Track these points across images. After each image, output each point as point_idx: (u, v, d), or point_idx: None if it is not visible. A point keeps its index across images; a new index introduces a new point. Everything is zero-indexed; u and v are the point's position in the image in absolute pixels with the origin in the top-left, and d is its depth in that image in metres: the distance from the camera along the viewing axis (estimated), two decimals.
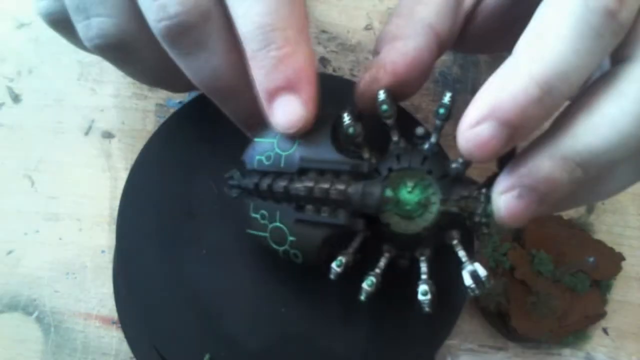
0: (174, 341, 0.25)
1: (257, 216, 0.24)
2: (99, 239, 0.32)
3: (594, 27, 0.16)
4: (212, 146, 0.29)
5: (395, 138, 0.23)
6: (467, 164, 0.21)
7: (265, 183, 0.23)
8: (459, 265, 0.21)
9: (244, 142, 0.25)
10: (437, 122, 0.22)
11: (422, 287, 0.21)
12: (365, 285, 0.22)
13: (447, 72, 0.39)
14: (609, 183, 0.21)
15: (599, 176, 0.19)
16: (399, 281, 0.22)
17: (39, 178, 0.33)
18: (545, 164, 0.18)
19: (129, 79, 0.36)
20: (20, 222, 0.32)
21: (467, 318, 0.32)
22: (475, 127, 0.17)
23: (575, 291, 0.31)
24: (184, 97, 0.36)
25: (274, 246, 0.23)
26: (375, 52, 0.24)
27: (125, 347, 0.30)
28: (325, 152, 0.22)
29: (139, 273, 0.26)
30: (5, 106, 0.34)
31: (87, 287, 0.31)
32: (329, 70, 0.38)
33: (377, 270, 0.22)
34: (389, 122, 0.23)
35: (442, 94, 0.22)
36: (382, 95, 0.22)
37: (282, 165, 0.23)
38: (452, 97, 0.22)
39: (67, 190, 0.33)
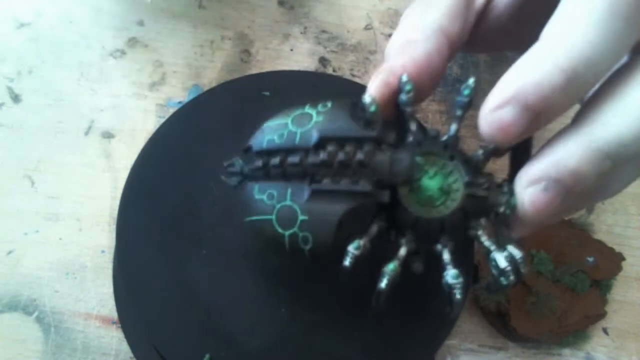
0: (174, 341, 0.25)
1: (263, 197, 0.21)
2: (99, 239, 0.32)
3: (623, 15, 0.16)
4: (212, 146, 0.29)
5: (413, 127, 0.22)
6: (488, 155, 0.21)
7: (276, 159, 0.20)
8: (488, 254, 0.20)
9: (244, 143, 0.25)
10: (458, 111, 0.21)
11: (452, 271, 0.19)
12: (388, 270, 0.19)
13: (447, 72, 0.39)
14: (616, 181, 0.21)
15: (626, 166, 0.19)
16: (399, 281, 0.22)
17: (39, 178, 0.33)
18: (574, 155, 0.18)
19: (129, 79, 0.36)
20: (20, 222, 0.32)
21: (467, 318, 0.32)
22: (497, 110, 0.17)
23: (575, 291, 0.31)
24: (184, 97, 0.36)
25: (280, 230, 0.20)
26: (386, 57, 0.23)
27: (125, 347, 0.30)
28: (345, 125, 0.20)
29: (139, 273, 0.26)
30: (5, 106, 0.34)
31: (87, 287, 0.31)
32: (329, 70, 0.38)
33: (397, 261, 0.20)
34: (409, 110, 0.21)
35: (465, 80, 0.21)
36: (404, 77, 0.21)
37: (297, 141, 0.20)
38: (475, 81, 0.21)
39: (67, 190, 0.33)
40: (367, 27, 0.40)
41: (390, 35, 0.40)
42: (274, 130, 0.21)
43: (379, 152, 0.20)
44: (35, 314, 0.30)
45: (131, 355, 0.30)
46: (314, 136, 0.20)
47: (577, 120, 0.18)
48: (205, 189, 0.28)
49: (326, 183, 0.20)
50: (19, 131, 0.34)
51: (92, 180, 0.33)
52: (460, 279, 0.19)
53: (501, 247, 0.20)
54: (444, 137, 0.21)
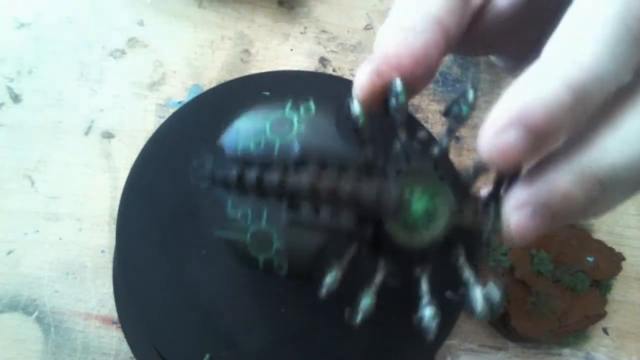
0: (174, 341, 0.25)
1: (237, 215, 0.19)
2: (99, 239, 0.32)
3: (634, 31, 0.16)
4: (212, 145, 0.29)
5: (402, 137, 0.20)
6: (478, 172, 0.19)
7: (252, 174, 0.19)
8: (465, 285, 0.19)
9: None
10: (453, 123, 0.20)
11: (428, 311, 0.18)
12: (363, 305, 0.18)
13: (447, 72, 0.39)
14: (603, 204, 0.20)
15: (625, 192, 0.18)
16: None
17: (39, 178, 0.33)
18: (564, 180, 0.17)
19: (128, 79, 0.36)
20: (20, 222, 0.32)
21: (467, 318, 0.32)
22: (499, 133, 0.16)
23: (575, 291, 0.31)
24: (184, 97, 0.36)
25: (254, 253, 0.19)
26: (378, 42, 0.21)
27: (125, 347, 0.30)
28: (331, 142, 0.19)
29: (139, 273, 0.26)
30: (5, 106, 0.34)
31: (87, 287, 0.31)
32: (329, 70, 0.38)
33: (373, 292, 0.19)
34: (399, 117, 0.20)
35: (465, 93, 0.19)
36: (398, 84, 0.19)
37: (275, 153, 0.19)
38: (475, 96, 0.19)
39: (67, 190, 0.33)
40: (367, 27, 0.40)
41: None
42: (250, 135, 0.20)
43: (364, 182, 0.18)
44: (35, 314, 0.30)
45: (131, 355, 0.30)
46: (295, 151, 0.19)
47: (569, 143, 0.18)
48: (205, 189, 0.28)
49: (305, 209, 0.18)
50: (19, 131, 0.34)
51: (92, 180, 0.33)
52: (437, 320, 0.18)
53: (485, 266, 0.19)
54: (434, 150, 0.20)
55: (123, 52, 0.37)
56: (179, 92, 0.36)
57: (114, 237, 0.31)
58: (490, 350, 0.32)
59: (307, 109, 0.20)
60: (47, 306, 0.30)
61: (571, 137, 0.18)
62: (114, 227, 0.32)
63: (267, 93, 0.31)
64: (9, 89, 0.35)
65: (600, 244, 0.33)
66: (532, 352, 0.32)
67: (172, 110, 0.34)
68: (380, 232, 0.19)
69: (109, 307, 0.30)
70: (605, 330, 0.33)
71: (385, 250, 0.19)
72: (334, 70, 0.38)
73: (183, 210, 0.27)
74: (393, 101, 0.19)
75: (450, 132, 0.20)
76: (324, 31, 0.39)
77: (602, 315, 0.32)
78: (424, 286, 0.19)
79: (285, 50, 0.38)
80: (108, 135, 0.34)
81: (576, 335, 0.32)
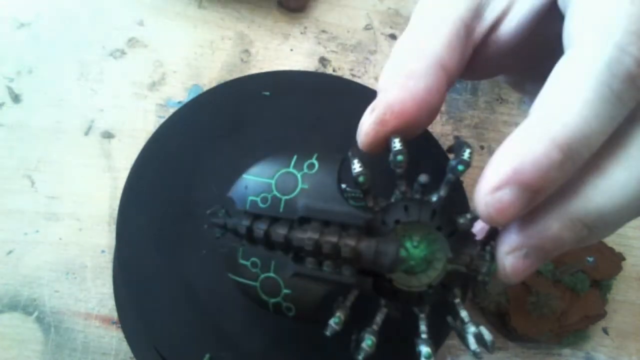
0: (174, 341, 0.25)
1: (247, 264, 0.21)
2: (99, 239, 0.32)
3: (616, 92, 0.17)
4: (212, 146, 0.29)
5: (402, 188, 0.21)
6: (474, 219, 0.20)
7: (260, 228, 0.21)
8: (463, 325, 0.20)
9: (243, 143, 0.25)
10: (450, 175, 0.21)
11: (425, 349, 0.20)
12: (365, 346, 0.20)
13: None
14: (590, 240, 0.21)
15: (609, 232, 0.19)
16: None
17: (39, 178, 0.33)
18: (554, 225, 0.18)
19: (128, 79, 0.36)
20: (20, 222, 0.32)
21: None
22: (495, 192, 0.17)
23: (575, 291, 0.31)
24: (184, 97, 0.36)
25: (264, 297, 0.21)
26: (382, 89, 0.22)
27: (125, 347, 0.30)
28: (332, 201, 0.20)
29: (139, 273, 0.26)
30: (5, 106, 0.34)
31: (87, 287, 0.31)
32: (329, 70, 0.38)
33: (375, 327, 0.20)
34: (399, 171, 0.21)
35: (461, 150, 0.20)
36: (397, 144, 0.20)
37: (281, 210, 0.21)
38: (471, 154, 0.20)
39: (67, 190, 0.33)
40: (367, 27, 0.40)
41: (390, 35, 0.40)
42: (256, 191, 0.21)
43: (364, 241, 0.19)
44: (35, 314, 0.30)
45: (131, 355, 0.30)
46: (299, 210, 0.20)
47: (559, 190, 0.19)
48: (205, 189, 0.28)
49: (310, 263, 0.20)
50: (19, 131, 0.34)
51: (92, 180, 0.33)
52: (431, 359, 0.20)
53: (482, 326, 0.20)
54: (433, 198, 0.21)
55: (123, 52, 0.37)
56: (179, 92, 0.36)
57: (114, 237, 0.31)
58: None
59: (311, 166, 0.21)
60: (47, 306, 0.30)
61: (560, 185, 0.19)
62: (114, 227, 0.32)
63: (267, 93, 0.31)
64: (9, 88, 0.35)
65: (601, 244, 0.33)
66: (532, 352, 0.32)
67: (172, 110, 0.34)
68: (384, 280, 0.20)
69: (109, 307, 0.30)
70: (605, 330, 0.33)
71: (385, 292, 0.21)
72: (334, 70, 0.38)
73: (183, 210, 0.27)
74: (392, 157, 0.20)
75: (448, 182, 0.21)
76: (323, 31, 0.39)
77: (602, 315, 0.32)
78: (422, 326, 0.21)
79: (285, 50, 0.38)
80: (108, 135, 0.34)
81: (576, 335, 0.32)
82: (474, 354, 0.19)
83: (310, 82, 0.33)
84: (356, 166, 0.20)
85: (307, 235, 0.20)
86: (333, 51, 0.39)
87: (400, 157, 0.20)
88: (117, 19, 0.38)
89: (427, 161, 0.28)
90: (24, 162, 0.33)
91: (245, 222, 0.21)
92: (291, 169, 0.21)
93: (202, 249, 0.27)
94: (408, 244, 0.20)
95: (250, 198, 0.21)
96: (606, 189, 0.18)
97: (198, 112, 0.30)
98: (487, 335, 0.19)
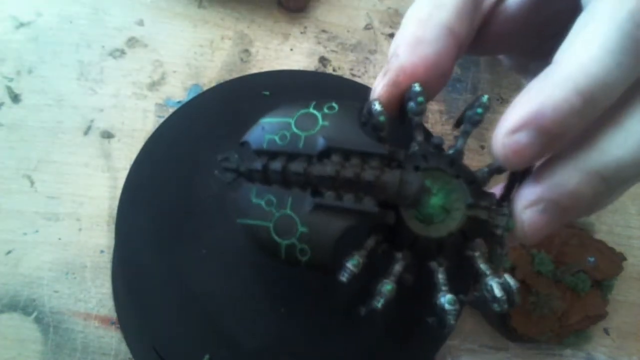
0: (173, 341, 0.25)
1: (262, 202, 0.20)
2: (98, 239, 0.32)
3: (638, 41, 0.17)
4: (211, 145, 0.29)
5: (420, 138, 0.21)
6: (492, 173, 0.20)
7: (277, 164, 0.20)
8: (482, 277, 0.19)
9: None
10: (468, 126, 0.21)
11: (449, 297, 0.19)
12: (384, 291, 0.19)
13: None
14: (607, 198, 0.21)
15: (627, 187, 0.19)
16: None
17: (39, 178, 0.33)
18: (572, 178, 0.18)
19: (128, 79, 0.36)
20: (19, 222, 0.32)
21: (468, 318, 0.32)
22: (512, 134, 0.17)
23: (576, 291, 0.31)
24: (184, 96, 0.36)
25: (277, 239, 0.20)
26: (393, 55, 0.23)
27: (124, 347, 0.30)
28: (353, 135, 0.19)
29: (138, 273, 0.26)
30: (4, 106, 0.34)
31: (87, 287, 0.31)
32: (329, 70, 0.38)
33: (392, 280, 0.19)
34: (417, 119, 0.21)
35: (477, 99, 0.21)
36: (417, 88, 0.20)
37: (300, 146, 0.20)
38: (489, 99, 0.21)
39: (67, 190, 0.33)
40: (367, 27, 0.40)
41: (390, 35, 0.40)
42: (275, 129, 0.20)
43: (387, 171, 0.19)
44: (35, 314, 0.30)
45: (130, 356, 0.29)
46: (320, 144, 0.19)
47: (575, 142, 0.19)
48: (205, 188, 0.28)
49: (329, 196, 0.19)
50: (18, 131, 0.34)
51: (91, 180, 0.33)
52: (457, 306, 0.19)
53: (495, 269, 0.20)
54: (450, 151, 0.21)
55: (123, 52, 0.37)
56: (178, 91, 0.36)
57: (113, 237, 0.31)
58: (491, 351, 0.32)
59: (331, 108, 0.21)
60: (47, 306, 0.30)
61: (577, 136, 0.19)
62: (113, 227, 0.32)
63: (267, 93, 0.31)
64: (9, 88, 0.35)
65: (601, 244, 0.33)
66: (533, 353, 0.32)
67: (171, 110, 0.34)
68: (399, 226, 0.20)
69: (109, 307, 0.30)
70: (606, 331, 0.33)
71: (403, 243, 0.20)
72: (334, 70, 0.38)
73: (183, 209, 0.27)
74: (412, 104, 0.20)
75: (465, 133, 0.21)
76: (324, 31, 0.39)
77: (603, 315, 0.32)
78: (441, 277, 0.20)
79: (285, 50, 0.38)
80: (107, 135, 0.34)
81: (577, 336, 0.32)
82: (498, 302, 0.19)
83: (310, 82, 0.33)
84: (377, 106, 0.20)
85: (327, 167, 0.19)
86: (333, 51, 0.39)
87: (421, 99, 0.20)
88: (116, 18, 0.38)
89: None
90: (24, 162, 0.33)
91: (261, 161, 0.20)
92: (311, 110, 0.21)
93: (202, 248, 0.27)
94: (428, 192, 0.20)
95: (268, 137, 0.20)
96: (623, 140, 0.18)
97: (198, 111, 0.30)
98: (513, 282, 0.19)
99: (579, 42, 0.18)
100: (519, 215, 0.19)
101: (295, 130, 0.20)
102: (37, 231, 0.32)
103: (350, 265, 0.19)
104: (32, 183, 0.33)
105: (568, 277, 0.31)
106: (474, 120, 0.21)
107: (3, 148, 0.33)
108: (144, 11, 0.38)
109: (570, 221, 0.22)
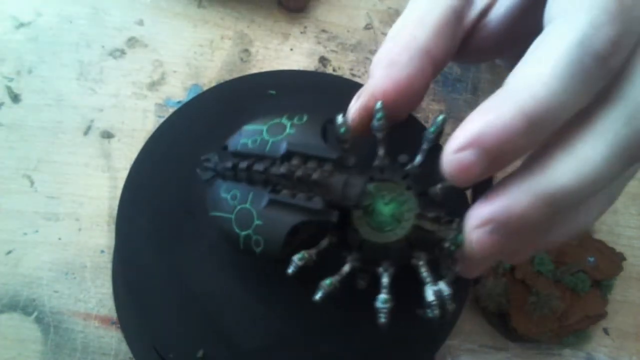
0: (173, 341, 0.25)
1: (227, 197, 0.23)
2: (98, 239, 0.32)
3: (586, 69, 0.17)
4: (211, 145, 0.29)
5: (381, 152, 0.23)
6: (445, 191, 0.22)
7: (244, 163, 0.22)
8: (423, 285, 0.21)
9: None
10: (425, 143, 0.22)
11: (382, 296, 0.21)
12: (323, 284, 0.21)
13: (447, 71, 0.39)
14: (561, 225, 0.21)
15: (569, 213, 0.20)
16: (397, 281, 0.22)
17: (39, 178, 0.33)
18: (521, 201, 0.18)
19: (128, 79, 0.36)
20: (19, 222, 0.32)
21: (467, 318, 0.32)
22: (458, 152, 0.18)
23: (576, 291, 0.31)
24: (184, 96, 0.36)
25: (236, 229, 0.22)
26: (370, 74, 0.24)
27: (124, 347, 0.30)
28: (313, 142, 0.22)
29: (139, 273, 0.26)
30: (4, 106, 0.34)
31: (87, 287, 0.31)
32: (329, 70, 0.38)
33: (337, 277, 0.21)
34: (380, 135, 0.23)
35: (435, 119, 0.22)
36: (378, 108, 0.22)
37: (267, 149, 0.22)
38: (444, 120, 0.22)
39: (67, 190, 0.33)
40: (367, 27, 0.40)
41: None
42: (250, 135, 0.23)
43: (336, 174, 0.21)
44: (35, 314, 0.30)
45: (130, 355, 0.29)
46: (282, 148, 0.22)
47: (526, 165, 0.19)
48: (205, 188, 0.28)
49: (284, 194, 0.21)
50: (18, 131, 0.34)
51: (91, 180, 0.33)
52: (388, 305, 0.20)
53: (440, 279, 0.20)
54: (408, 166, 0.22)
55: (123, 52, 0.37)
56: (178, 91, 0.36)
57: (114, 237, 0.31)
58: (491, 351, 0.32)
59: (300, 119, 0.23)
60: (47, 306, 0.30)
61: (529, 159, 0.19)
62: (113, 227, 0.32)
63: (273, 92, 0.31)
64: (9, 88, 0.35)
65: (601, 244, 0.33)
66: (533, 352, 0.32)
67: (171, 110, 0.34)
68: (351, 230, 0.22)
69: (109, 307, 0.30)
70: (605, 331, 0.33)
71: (353, 247, 0.22)
72: (334, 70, 0.38)
73: (182, 209, 0.27)
74: (375, 123, 0.22)
75: (423, 151, 0.22)
76: (324, 31, 0.39)
77: (602, 315, 0.32)
78: (385, 281, 0.21)
79: (285, 50, 0.38)
80: (107, 135, 0.34)
81: (577, 336, 0.32)
82: (429, 306, 0.20)
83: (310, 82, 0.33)
84: (339, 119, 0.22)
85: (282, 169, 0.21)
86: (333, 51, 0.39)
87: (379, 115, 0.22)
88: (116, 18, 0.38)
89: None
90: (24, 162, 0.33)
91: (231, 161, 0.23)
92: (283, 120, 0.23)
93: (202, 247, 0.27)
94: (379, 202, 0.22)
95: (242, 141, 0.23)
96: (571, 167, 0.18)
97: (198, 111, 0.30)
98: (446, 289, 0.20)
99: (529, 65, 0.18)
100: (469, 234, 0.19)
101: (265, 136, 0.23)
102: (37, 231, 0.32)
103: (297, 259, 0.21)
104: (32, 183, 0.33)
105: (568, 277, 0.31)
106: (428, 139, 0.22)
107: (3, 148, 0.33)
108: (144, 11, 0.38)
109: (527, 244, 0.22)
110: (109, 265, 0.31)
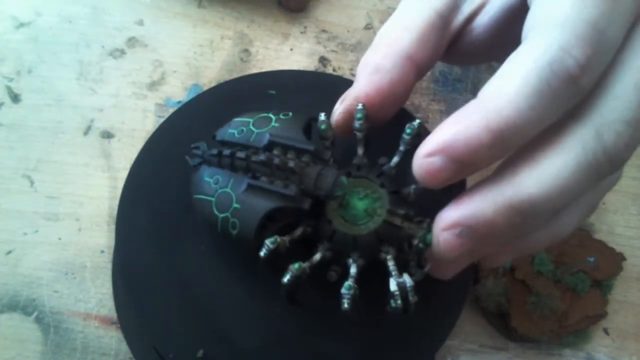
0: (173, 341, 0.25)
1: (210, 180, 0.24)
2: (98, 239, 0.32)
3: (553, 89, 0.17)
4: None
5: (360, 151, 0.24)
6: (419, 191, 0.23)
7: (227, 151, 0.24)
8: (390, 277, 0.21)
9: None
10: (402, 145, 0.23)
11: (347, 283, 0.21)
12: (291, 267, 0.21)
13: (447, 71, 0.39)
14: (557, 225, 0.22)
15: (543, 221, 0.20)
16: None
17: (39, 178, 0.33)
18: (488, 208, 0.19)
19: (128, 79, 0.36)
20: (19, 222, 0.32)
21: (467, 318, 0.32)
22: (428, 157, 0.19)
23: (576, 291, 0.31)
24: (184, 96, 0.36)
25: (216, 212, 0.23)
26: (356, 77, 0.25)
27: (124, 347, 0.30)
28: (294, 135, 0.23)
29: (138, 273, 0.26)
30: (4, 106, 0.34)
31: (87, 287, 0.31)
32: (329, 70, 0.38)
33: (308, 263, 0.22)
34: (359, 135, 0.24)
35: (411, 122, 0.23)
36: (359, 110, 0.24)
37: (251, 139, 0.24)
38: (420, 125, 0.23)
39: (67, 190, 0.33)
40: (367, 27, 0.40)
41: None
42: (237, 126, 0.25)
43: (311, 165, 0.22)
44: (35, 314, 0.30)
45: (130, 355, 0.29)
46: (265, 138, 0.23)
47: (497, 173, 0.20)
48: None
49: (263, 181, 0.22)
50: (18, 131, 0.34)
51: (91, 180, 0.33)
52: (351, 292, 0.21)
53: (407, 274, 0.21)
54: (385, 166, 0.24)
55: (122, 52, 0.37)
56: (178, 91, 0.36)
57: (114, 237, 0.31)
58: (491, 351, 0.32)
59: (286, 115, 0.24)
60: (47, 306, 0.30)
61: (500, 167, 0.20)
62: (113, 227, 0.32)
63: (273, 92, 0.31)
64: (9, 88, 0.35)
65: (601, 244, 0.33)
66: (533, 353, 0.32)
67: (171, 110, 0.34)
68: (324, 221, 0.23)
69: (109, 308, 0.30)
70: (606, 331, 0.33)
71: (324, 233, 0.23)
72: (334, 70, 0.38)
73: (182, 209, 0.27)
74: (355, 124, 0.24)
75: (400, 152, 0.24)
76: (324, 31, 0.39)
77: (602, 315, 0.32)
78: (352, 271, 0.22)
79: (285, 50, 0.38)
80: (107, 135, 0.34)
81: (577, 336, 0.32)
82: (392, 296, 0.21)
83: (310, 82, 0.33)
84: (322, 117, 0.24)
85: (261, 157, 0.22)
86: (333, 51, 0.39)
87: (360, 115, 0.24)
88: (116, 18, 0.38)
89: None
90: (24, 162, 0.33)
91: (217, 149, 0.24)
92: (270, 114, 0.25)
93: (201, 245, 0.27)
94: (354, 196, 0.23)
95: (230, 131, 0.25)
96: (537, 178, 0.18)
97: (197, 111, 0.30)
98: (409, 281, 0.21)
99: (500, 80, 0.18)
100: (437, 235, 0.20)
101: (251, 127, 0.24)
102: (37, 231, 0.32)
103: (269, 242, 0.21)
104: (32, 183, 0.33)
105: (568, 277, 0.31)
106: (404, 141, 0.23)
107: (3, 148, 0.33)
108: (144, 11, 0.38)
109: (503, 249, 0.23)
110: (109, 266, 0.31)
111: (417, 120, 0.23)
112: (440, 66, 0.39)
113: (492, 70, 0.39)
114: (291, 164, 0.22)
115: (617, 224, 0.36)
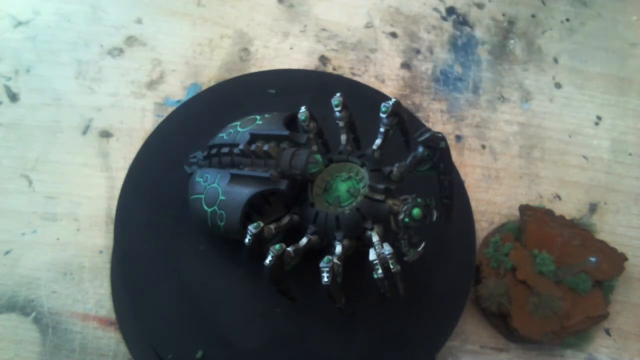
0: (171, 340, 0.25)
1: (200, 180, 0.25)
2: (96, 239, 0.32)
3: None
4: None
5: (343, 139, 0.25)
6: (402, 169, 0.23)
7: (215, 149, 0.25)
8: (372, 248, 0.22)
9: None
10: (382, 127, 0.24)
11: (326, 257, 0.22)
12: (272, 249, 0.22)
13: (448, 70, 0.39)
14: None
15: None
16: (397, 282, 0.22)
17: (37, 178, 0.33)
18: None
19: (127, 78, 0.36)
20: (17, 222, 0.32)
21: (469, 319, 0.32)
22: None
23: (578, 292, 0.31)
24: (183, 96, 0.36)
25: (205, 207, 0.24)
26: None
27: (123, 348, 0.29)
28: (274, 127, 0.25)
29: (137, 273, 0.26)
30: (2, 105, 0.34)
31: (85, 288, 0.31)
32: (329, 69, 0.38)
33: (293, 247, 0.23)
34: (341, 124, 0.25)
35: (387, 101, 0.24)
36: (337, 95, 0.25)
37: (237, 138, 0.25)
38: (395, 103, 0.24)
39: (65, 190, 0.32)
40: (368, 25, 0.40)
41: (391, 34, 0.39)
42: (226, 129, 0.26)
43: (286, 148, 0.24)
44: (33, 314, 0.30)
45: (129, 356, 0.29)
46: (247, 134, 0.25)
47: None
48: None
49: (245, 170, 0.24)
50: (16, 130, 0.34)
51: (89, 180, 0.33)
52: (329, 264, 0.22)
53: (387, 243, 0.22)
54: (368, 150, 0.25)
55: (121, 51, 0.37)
56: (177, 90, 0.36)
57: (112, 238, 0.30)
58: (492, 352, 0.32)
59: (271, 114, 0.26)
60: (45, 307, 0.30)
61: None
62: (111, 227, 0.31)
63: (273, 91, 0.31)
64: (7, 87, 0.35)
65: (603, 244, 0.33)
66: (534, 353, 0.32)
67: (170, 109, 0.34)
68: (307, 204, 0.24)
69: (107, 308, 0.30)
70: (607, 331, 0.33)
71: (308, 215, 0.24)
72: (334, 69, 0.38)
73: (181, 208, 0.27)
74: (336, 113, 0.25)
75: (381, 133, 0.25)
76: (323, 29, 0.39)
77: (604, 316, 0.31)
78: (337, 250, 0.23)
79: (284, 49, 0.38)
80: (106, 135, 0.34)
81: (578, 336, 0.31)
82: (372, 267, 0.22)
83: (310, 81, 0.32)
84: (302, 109, 0.25)
85: (240, 147, 0.24)
86: (333, 49, 0.39)
87: (336, 102, 0.25)
88: (115, 17, 0.37)
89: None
90: (22, 162, 0.33)
91: (205, 151, 0.26)
92: (255, 116, 0.26)
93: (200, 245, 0.27)
94: (337, 180, 0.24)
95: (220, 134, 0.26)
96: None
97: (197, 111, 0.30)
98: (388, 250, 0.22)
99: None
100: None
101: (238, 128, 0.25)
102: (35, 231, 0.31)
103: (252, 227, 0.22)
104: (30, 183, 0.32)
105: (569, 277, 0.31)
106: (383, 122, 0.24)
107: (1, 147, 0.33)
108: (143, 9, 0.38)
109: None
110: (107, 266, 0.31)
111: (393, 99, 0.24)
112: (441, 65, 0.39)
113: (493, 69, 0.39)
114: (265, 147, 0.23)
115: (619, 224, 0.36)
